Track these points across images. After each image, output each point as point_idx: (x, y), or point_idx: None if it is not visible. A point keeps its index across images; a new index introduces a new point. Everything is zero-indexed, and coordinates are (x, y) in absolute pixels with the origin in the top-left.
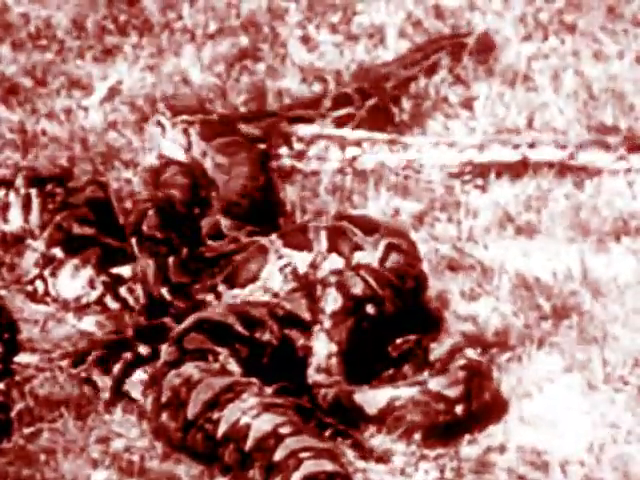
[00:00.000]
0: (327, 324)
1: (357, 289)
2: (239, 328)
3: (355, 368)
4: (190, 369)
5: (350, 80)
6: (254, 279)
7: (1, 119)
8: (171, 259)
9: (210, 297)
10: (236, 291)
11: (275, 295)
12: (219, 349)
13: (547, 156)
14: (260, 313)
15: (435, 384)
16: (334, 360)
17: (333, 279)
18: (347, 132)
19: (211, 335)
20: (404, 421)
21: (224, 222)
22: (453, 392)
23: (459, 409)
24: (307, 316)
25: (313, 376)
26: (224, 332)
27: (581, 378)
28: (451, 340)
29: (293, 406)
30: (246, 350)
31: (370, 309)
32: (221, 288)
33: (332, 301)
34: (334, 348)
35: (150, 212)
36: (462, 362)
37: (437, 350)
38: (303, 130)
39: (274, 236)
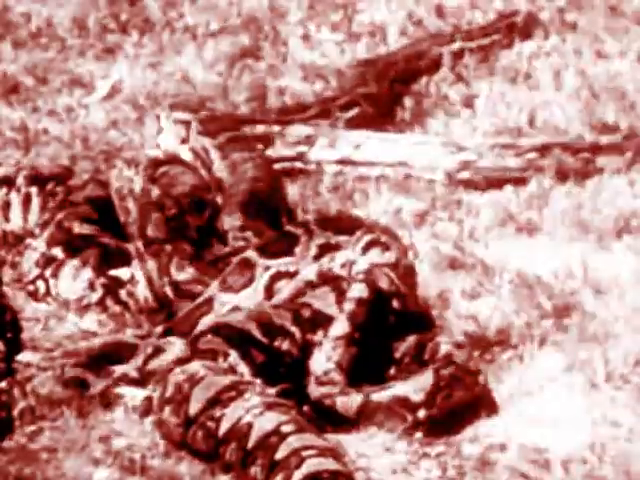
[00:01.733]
0: (328, 346)
1: (383, 284)
2: (258, 335)
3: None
4: (196, 366)
5: (372, 62)
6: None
7: (2, 118)
8: (174, 260)
9: (300, 231)
10: (328, 234)
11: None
12: (230, 350)
13: (614, 162)
14: (283, 319)
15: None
16: (334, 374)
17: (349, 306)
18: (394, 135)
19: (228, 339)
20: (453, 398)
21: (237, 222)
22: (474, 365)
23: (482, 379)
24: (334, 312)
25: (316, 390)
26: (242, 338)
27: (582, 377)
28: (412, 337)
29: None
30: (262, 357)
31: (396, 304)
32: (313, 227)
33: (339, 328)
34: (331, 366)
35: (154, 215)
36: (446, 350)
37: (402, 347)
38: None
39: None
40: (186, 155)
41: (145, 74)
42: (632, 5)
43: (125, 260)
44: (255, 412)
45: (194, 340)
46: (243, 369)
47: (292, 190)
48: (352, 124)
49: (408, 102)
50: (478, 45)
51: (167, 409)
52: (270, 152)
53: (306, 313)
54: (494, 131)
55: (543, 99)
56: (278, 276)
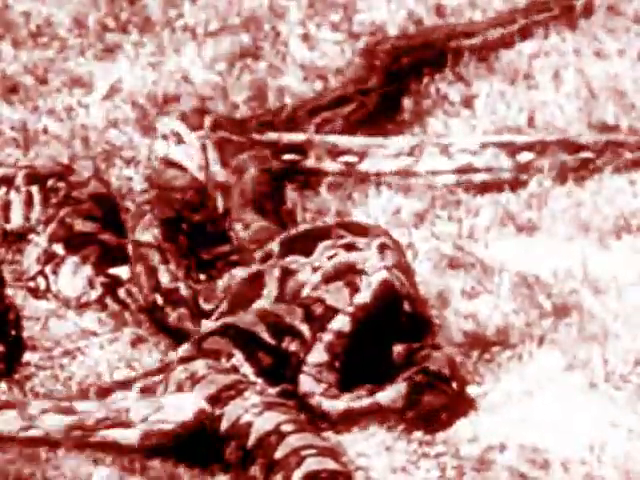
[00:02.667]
0: (312, 371)
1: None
2: (265, 337)
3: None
4: (198, 365)
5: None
6: None
7: (2, 117)
8: (162, 267)
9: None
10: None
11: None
12: (234, 351)
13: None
14: (294, 318)
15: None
16: (333, 390)
17: (327, 337)
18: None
19: (234, 341)
20: (422, 403)
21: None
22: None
23: (455, 385)
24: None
25: (328, 402)
26: (249, 340)
27: (582, 376)
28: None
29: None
30: (269, 359)
31: (407, 307)
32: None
33: (317, 356)
34: (325, 386)
35: (145, 218)
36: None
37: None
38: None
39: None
40: (186, 159)
41: (145, 74)
42: (631, 4)
43: (125, 258)
44: (255, 411)
45: (200, 340)
46: (247, 370)
47: (291, 189)
48: (352, 122)
49: (407, 102)
50: (535, 21)
51: None
52: (366, 165)
53: (318, 309)
54: (493, 130)
55: (542, 99)
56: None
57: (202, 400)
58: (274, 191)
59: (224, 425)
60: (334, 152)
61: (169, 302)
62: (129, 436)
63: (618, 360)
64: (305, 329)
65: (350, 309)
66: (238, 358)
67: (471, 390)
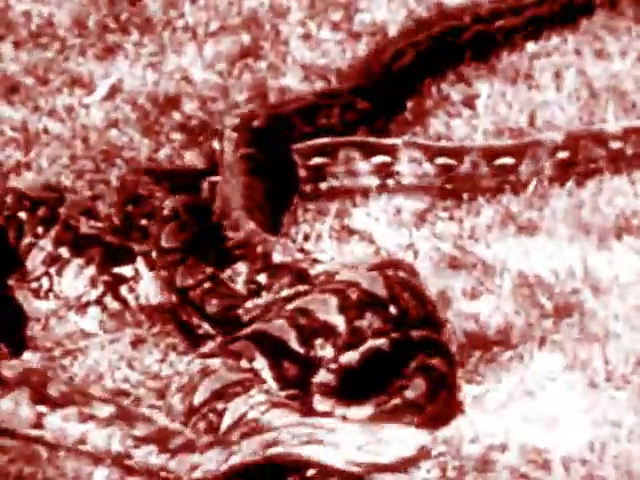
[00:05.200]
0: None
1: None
2: (295, 345)
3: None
4: (214, 361)
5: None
6: None
7: (3, 117)
8: (180, 268)
9: None
10: None
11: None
12: (258, 356)
13: None
14: (327, 310)
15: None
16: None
17: (332, 366)
18: None
19: (262, 348)
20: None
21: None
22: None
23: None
24: (385, 293)
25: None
26: (277, 348)
27: (583, 376)
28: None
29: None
30: (295, 369)
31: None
32: None
33: (323, 376)
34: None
35: (167, 227)
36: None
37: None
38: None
39: None
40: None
41: (145, 74)
42: (633, 5)
43: (130, 257)
44: (261, 409)
45: (227, 342)
46: (267, 374)
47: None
48: (351, 124)
49: (408, 102)
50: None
51: (177, 396)
52: (525, 168)
53: (353, 295)
54: (495, 131)
55: (543, 99)
56: None
57: (424, 435)
58: (266, 197)
59: (226, 421)
60: (490, 155)
61: (184, 302)
62: (335, 460)
63: (619, 360)
64: (340, 321)
65: (362, 349)
66: (261, 362)
67: (472, 390)
